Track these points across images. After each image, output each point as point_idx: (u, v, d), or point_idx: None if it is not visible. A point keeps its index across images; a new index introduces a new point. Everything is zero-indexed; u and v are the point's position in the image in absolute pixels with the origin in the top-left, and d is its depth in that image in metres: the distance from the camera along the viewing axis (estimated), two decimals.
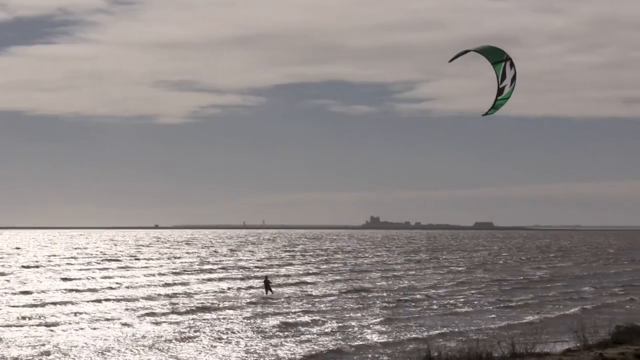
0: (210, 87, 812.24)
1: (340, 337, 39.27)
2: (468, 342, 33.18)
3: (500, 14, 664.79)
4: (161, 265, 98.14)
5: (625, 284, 72.89)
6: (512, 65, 20.85)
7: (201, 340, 38.03)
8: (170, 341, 37.66)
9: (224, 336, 39.42)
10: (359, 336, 39.67)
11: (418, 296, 59.67)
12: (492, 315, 48.68)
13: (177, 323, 43.96)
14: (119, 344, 36.81)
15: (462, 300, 57.32)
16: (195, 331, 40.81)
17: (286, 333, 40.65)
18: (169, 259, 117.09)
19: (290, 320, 44.94)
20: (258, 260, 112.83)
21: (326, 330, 41.72)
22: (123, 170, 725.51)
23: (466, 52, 21.05)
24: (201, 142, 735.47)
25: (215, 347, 36.46)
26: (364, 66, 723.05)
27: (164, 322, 44.47)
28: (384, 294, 61.11)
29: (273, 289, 60.94)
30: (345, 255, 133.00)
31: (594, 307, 53.54)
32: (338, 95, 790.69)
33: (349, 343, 37.37)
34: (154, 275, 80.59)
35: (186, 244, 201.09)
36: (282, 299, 56.51)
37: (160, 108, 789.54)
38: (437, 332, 41.02)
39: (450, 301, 56.29)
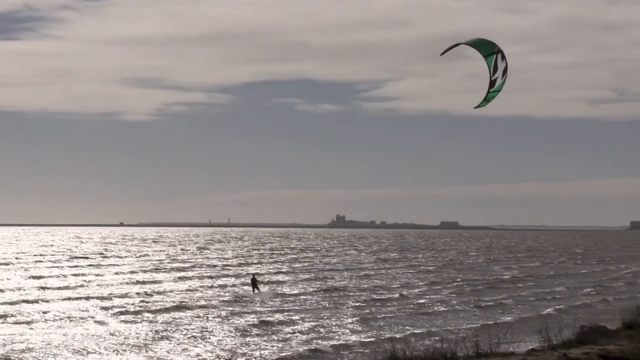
0: (177, 84, 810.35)
1: (317, 337, 39.15)
2: (434, 341, 33.15)
3: (465, 13, 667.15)
4: (132, 263, 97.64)
5: (596, 284, 73.27)
6: (503, 57, 20.95)
7: (177, 339, 37.77)
8: (145, 340, 37.39)
9: (200, 335, 39.18)
10: (336, 335, 39.57)
11: (391, 295, 59.69)
12: (464, 315, 48.76)
13: (151, 322, 43.68)
14: (94, 342, 36.47)
15: (435, 299, 57.39)
16: (170, 330, 40.54)
17: (263, 332, 40.49)
18: (138, 256, 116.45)
19: (267, 319, 44.77)
20: (227, 259, 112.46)
21: (303, 329, 41.57)
22: (88, 167, 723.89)
23: (458, 45, 21.10)
24: (167, 139, 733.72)
25: (191, 346, 36.21)
26: (331, 65, 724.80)
27: (138, 320, 44.21)
28: (358, 293, 61.10)
29: (260, 287, 60.73)
30: (315, 254, 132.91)
31: (569, 307, 53.67)
32: (305, 93, 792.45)
33: (326, 342, 37.25)
34: (124, 273, 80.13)
35: (153, 242, 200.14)
36: (257, 299, 56.21)
37: (127, 105, 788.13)
38: (411, 331, 40.92)
39: (423, 301, 56.33)
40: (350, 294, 60.91)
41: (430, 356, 18.29)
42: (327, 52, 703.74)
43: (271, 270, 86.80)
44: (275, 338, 38.71)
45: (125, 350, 34.76)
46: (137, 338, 37.89)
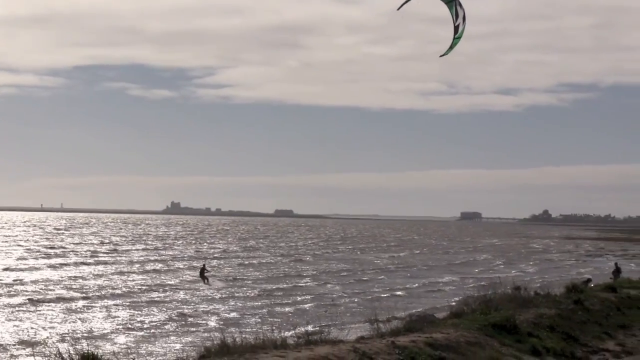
0: (6, 66, 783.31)
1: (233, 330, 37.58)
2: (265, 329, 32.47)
3: (300, 2, 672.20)
4: None
5: (474, 275, 73.52)
6: (460, 5, 21.36)
7: (99, 328, 35.57)
8: (58, 325, 35.03)
9: (107, 327, 37.07)
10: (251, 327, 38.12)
11: (285, 286, 58.60)
12: (360, 308, 47.39)
13: (40, 312, 41.15)
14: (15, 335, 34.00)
15: (331, 290, 56.79)
16: (81, 319, 38.25)
17: (179, 325, 38.80)
18: None
19: (182, 311, 43.06)
20: (93, 244, 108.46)
21: (211, 321, 40.19)
22: None
23: None
24: None
25: (105, 336, 34.16)
26: (165, 51, 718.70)
27: (23, 311, 41.59)
28: (249, 282, 59.97)
29: (208, 278, 58.81)
30: (175, 242, 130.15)
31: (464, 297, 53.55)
32: (137, 79, 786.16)
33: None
34: None
35: None
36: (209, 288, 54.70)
37: None
38: (323, 323, 39.45)
39: (320, 291, 55.59)
40: (244, 283, 59.57)
41: (260, 344, 17.78)
42: (161, 38, 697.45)
43: (151, 258, 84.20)
44: (193, 330, 37.19)
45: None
46: (51, 326, 35.50)
